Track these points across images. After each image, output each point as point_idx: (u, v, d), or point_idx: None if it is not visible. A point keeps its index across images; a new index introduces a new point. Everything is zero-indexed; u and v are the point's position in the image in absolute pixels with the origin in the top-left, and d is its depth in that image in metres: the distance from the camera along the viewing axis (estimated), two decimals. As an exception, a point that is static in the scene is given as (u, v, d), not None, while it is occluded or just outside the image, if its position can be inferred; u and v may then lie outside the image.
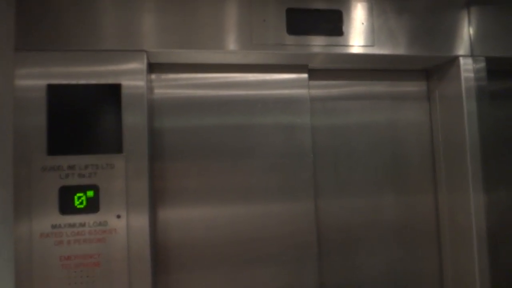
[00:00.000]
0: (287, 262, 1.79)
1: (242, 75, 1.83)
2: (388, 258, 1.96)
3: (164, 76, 1.76)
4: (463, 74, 1.82)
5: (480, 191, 1.79)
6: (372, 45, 1.75)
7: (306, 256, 1.80)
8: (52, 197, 1.45)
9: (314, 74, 1.91)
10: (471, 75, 1.82)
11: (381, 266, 1.95)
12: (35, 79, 1.48)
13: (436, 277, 2.00)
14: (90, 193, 1.48)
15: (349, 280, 1.92)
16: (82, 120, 1.50)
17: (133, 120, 1.53)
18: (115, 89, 1.53)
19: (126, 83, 1.54)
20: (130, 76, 1.54)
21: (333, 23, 1.73)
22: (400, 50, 1.78)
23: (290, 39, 1.69)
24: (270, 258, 1.78)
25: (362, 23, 1.75)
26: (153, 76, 1.74)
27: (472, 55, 1.83)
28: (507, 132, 1.92)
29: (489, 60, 1.84)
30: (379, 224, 1.95)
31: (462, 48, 1.83)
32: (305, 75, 1.87)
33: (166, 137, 1.73)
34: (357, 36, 1.74)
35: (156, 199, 1.69)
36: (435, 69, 2.00)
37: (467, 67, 1.83)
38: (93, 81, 1.52)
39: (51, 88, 1.48)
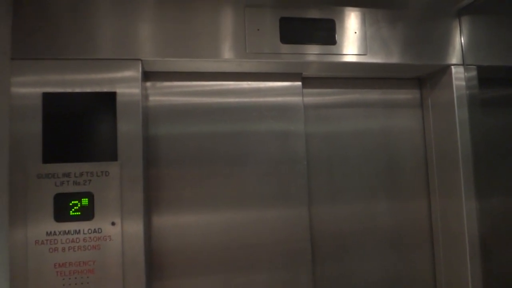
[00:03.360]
0: (281, 269, 1.80)
1: (237, 83, 1.84)
2: (382, 264, 1.97)
3: (159, 84, 1.77)
4: (455, 83, 1.84)
5: (472, 197, 1.81)
6: (365, 54, 1.77)
7: (300, 263, 1.81)
8: (47, 205, 1.46)
9: (308, 82, 1.93)
10: (463, 83, 1.85)
11: (375, 272, 1.96)
12: (31, 87, 1.49)
13: (429, 283, 2.01)
14: (85, 201, 1.48)
15: (343, 286, 1.92)
16: (77, 128, 1.51)
17: (128, 128, 1.54)
18: (110, 97, 1.54)
19: (121, 91, 1.55)
20: (125, 84, 1.56)
21: (326, 32, 1.75)
22: (392, 58, 1.80)
23: (284, 48, 1.70)
24: (264, 264, 1.79)
25: (355, 32, 1.77)
26: (148, 84, 1.76)
27: (463, 63, 1.86)
28: (498, 139, 1.94)
29: (480, 69, 1.86)
30: (372, 230, 1.97)
31: (454, 57, 1.86)
32: (299, 83, 1.89)
33: (160, 144, 1.75)
34: (350, 45, 1.76)
35: (150, 206, 1.71)
36: (428, 77, 2.02)
37: (459, 76, 1.85)
38: (88, 89, 1.53)
39: (46, 96, 1.49)
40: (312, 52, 1.73)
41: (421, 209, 2.03)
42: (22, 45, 1.50)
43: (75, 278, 1.46)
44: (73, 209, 1.48)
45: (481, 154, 1.82)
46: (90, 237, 1.48)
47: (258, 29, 1.69)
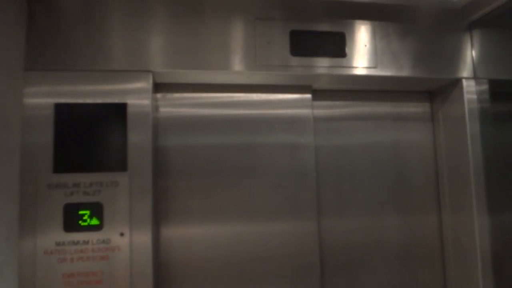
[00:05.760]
0: (289, 282, 1.78)
1: (247, 95, 1.85)
2: (392, 279, 1.94)
3: (169, 95, 1.79)
4: (466, 96, 1.83)
5: (484, 212, 1.78)
6: (375, 67, 1.77)
7: (309, 276, 1.79)
8: (56, 214, 1.46)
9: (318, 94, 1.93)
10: (474, 97, 1.84)
11: (385, 287, 1.93)
12: (43, 98, 1.51)
13: (440, 299, 1.98)
14: (94, 211, 1.49)
15: (352, 301, 1.90)
16: (87, 138, 1.53)
17: (138, 139, 1.55)
18: (121, 108, 1.55)
19: (132, 102, 1.56)
20: (136, 95, 1.57)
21: (336, 45, 1.75)
22: (402, 72, 1.79)
23: (294, 60, 1.71)
24: (272, 278, 1.77)
25: (365, 45, 1.77)
26: (159, 95, 1.77)
27: (475, 77, 1.85)
28: (510, 153, 1.91)
29: (492, 82, 1.85)
30: (382, 244, 1.94)
31: (465, 70, 1.85)
32: (308, 96, 1.89)
33: (170, 155, 1.75)
34: (360, 58, 1.76)
35: (159, 217, 1.70)
36: (438, 91, 2.01)
37: (470, 89, 1.84)
38: (99, 100, 1.54)
39: (58, 107, 1.51)
40: (322, 64, 1.73)
41: (432, 223, 2.00)
42: (35, 56, 1.52)
43: (83, 288, 1.46)
44: (82, 219, 1.48)
45: (493, 169, 1.80)
46: (98, 248, 1.48)
47: (268, 42, 1.69)
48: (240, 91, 1.84)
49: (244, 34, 1.69)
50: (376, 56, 1.78)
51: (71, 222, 1.47)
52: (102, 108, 1.55)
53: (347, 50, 1.76)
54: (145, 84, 1.58)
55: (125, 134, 1.54)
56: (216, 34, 1.66)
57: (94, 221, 1.49)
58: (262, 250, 1.77)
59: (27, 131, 1.48)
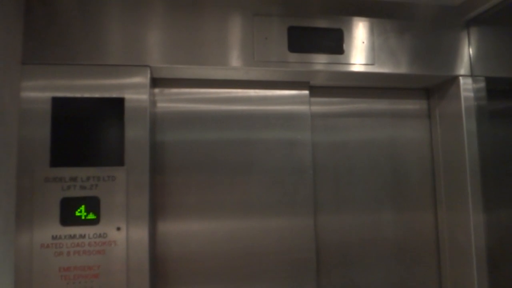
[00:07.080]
0: (285, 278, 1.79)
1: (244, 91, 1.85)
2: (388, 275, 1.95)
3: (167, 90, 1.79)
4: (463, 94, 1.84)
5: (479, 209, 1.79)
6: (372, 64, 1.77)
7: (305, 272, 1.80)
8: (53, 208, 1.47)
9: (315, 91, 1.94)
10: (471, 94, 1.84)
11: (380, 284, 1.94)
12: (40, 92, 1.51)
13: (435, 296, 1.99)
14: (91, 205, 1.49)
15: (347, 297, 1.91)
16: (85, 133, 1.53)
17: (135, 134, 1.55)
18: (119, 102, 1.55)
19: (129, 97, 1.56)
20: (134, 90, 1.57)
21: (334, 41, 1.76)
22: (400, 69, 1.80)
23: (292, 57, 1.71)
24: (268, 273, 1.78)
25: (363, 42, 1.77)
26: (156, 90, 1.77)
27: (472, 74, 1.85)
28: (506, 151, 1.92)
29: (489, 80, 1.85)
30: (378, 241, 1.95)
31: (462, 67, 1.85)
32: (306, 92, 1.89)
33: (167, 150, 1.75)
34: (358, 55, 1.77)
35: (156, 212, 1.71)
36: (436, 88, 2.02)
37: (467, 87, 1.84)
38: (97, 95, 1.54)
39: (55, 100, 1.51)
40: (320, 61, 1.73)
41: (428, 220, 2.01)
42: (33, 50, 1.52)
43: (79, 282, 1.46)
44: (79, 213, 1.48)
45: (489, 166, 1.81)
46: (95, 242, 1.49)
47: (266, 38, 1.69)
48: (237, 87, 1.84)
49: (242, 30, 1.69)
50: (374, 53, 1.78)
51: (67, 216, 1.47)
52: (99, 103, 1.55)
53: (345, 46, 1.76)
54: (142, 79, 1.58)
55: (123, 129, 1.54)
56: (214, 30, 1.66)
57: (91, 215, 1.49)
58: (258, 246, 1.78)
59: (24, 125, 1.48)
